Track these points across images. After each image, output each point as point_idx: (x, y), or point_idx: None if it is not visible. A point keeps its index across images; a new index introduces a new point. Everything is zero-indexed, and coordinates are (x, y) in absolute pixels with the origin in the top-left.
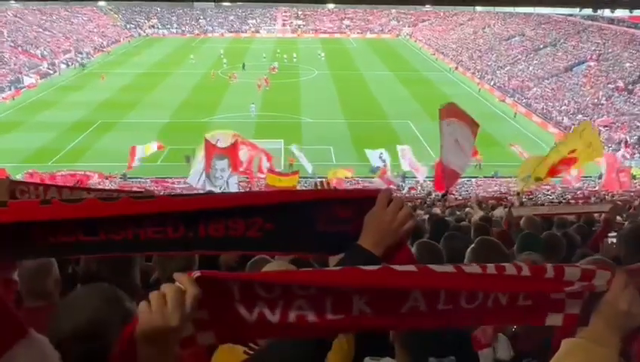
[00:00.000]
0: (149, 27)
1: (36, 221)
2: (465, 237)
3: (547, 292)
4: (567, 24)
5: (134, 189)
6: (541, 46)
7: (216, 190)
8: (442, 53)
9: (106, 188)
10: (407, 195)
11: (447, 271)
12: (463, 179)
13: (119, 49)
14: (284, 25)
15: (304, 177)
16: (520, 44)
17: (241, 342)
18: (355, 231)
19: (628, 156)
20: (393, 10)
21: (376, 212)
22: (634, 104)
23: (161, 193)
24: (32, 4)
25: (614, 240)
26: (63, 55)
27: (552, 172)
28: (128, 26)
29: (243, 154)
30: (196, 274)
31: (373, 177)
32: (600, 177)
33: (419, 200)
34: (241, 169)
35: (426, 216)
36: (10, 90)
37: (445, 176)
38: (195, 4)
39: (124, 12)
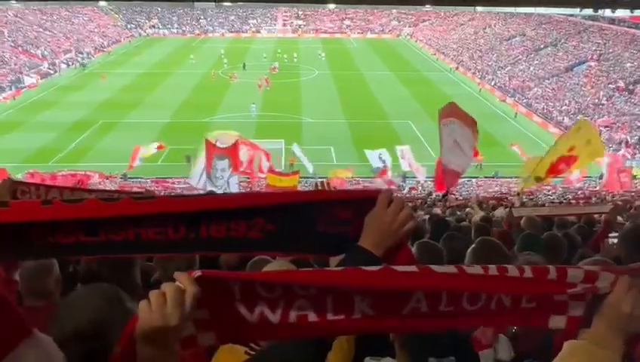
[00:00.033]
0: (150, 27)
1: (37, 221)
2: (464, 238)
3: (550, 294)
4: (568, 24)
5: (135, 190)
6: (542, 46)
7: (217, 190)
8: (443, 53)
9: (107, 188)
10: (407, 195)
11: (449, 272)
12: (464, 180)
13: (120, 49)
14: (284, 25)
15: (305, 177)
16: (521, 44)
17: (241, 343)
18: (355, 232)
19: (629, 156)
20: (394, 11)
21: (377, 213)
22: (635, 104)
23: (162, 193)
24: (33, 4)
25: (615, 240)
26: (64, 55)
27: (552, 171)
28: (129, 26)
29: (243, 154)
30: (196, 273)
31: (373, 177)
32: (601, 177)
33: (419, 201)
34: (241, 169)
35: (427, 217)
36: (10, 89)
37: (446, 176)
38: (196, 4)
39: (124, 12)
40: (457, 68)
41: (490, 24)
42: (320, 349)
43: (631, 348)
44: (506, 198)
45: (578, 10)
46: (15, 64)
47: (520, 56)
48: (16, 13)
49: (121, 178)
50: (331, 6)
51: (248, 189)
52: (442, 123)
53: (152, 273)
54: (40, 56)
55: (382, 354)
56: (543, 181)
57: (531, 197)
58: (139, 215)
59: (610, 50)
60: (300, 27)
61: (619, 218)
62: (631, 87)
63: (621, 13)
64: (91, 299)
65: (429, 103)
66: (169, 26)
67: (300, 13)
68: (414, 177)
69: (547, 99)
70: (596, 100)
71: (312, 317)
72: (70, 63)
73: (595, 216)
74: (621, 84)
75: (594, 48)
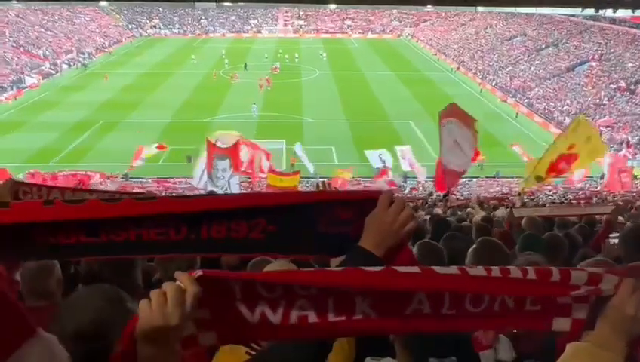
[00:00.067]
0: (151, 27)
1: (39, 222)
2: (465, 238)
3: (553, 296)
4: (569, 24)
5: (136, 190)
6: (543, 46)
7: (218, 190)
8: (444, 53)
9: (108, 188)
10: (408, 195)
11: (452, 273)
12: (465, 180)
13: (121, 49)
14: (285, 25)
15: (306, 177)
16: (522, 44)
17: (242, 343)
18: (356, 232)
19: (630, 156)
20: (395, 11)
21: (378, 213)
22: (636, 104)
23: (163, 193)
24: (34, 4)
25: (616, 240)
26: (65, 55)
27: (553, 170)
28: (130, 26)
29: (244, 154)
30: (197, 273)
31: (374, 178)
32: (602, 177)
33: (420, 201)
34: (242, 169)
35: (428, 217)
36: (12, 90)
37: (446, 176)
38: (197, 4)
39: (125, 12)
40: (458, 68)
41: (492, 24)
42: (320, 350)
43: (634, 350)
44: (507, 198)
45: (579, 10)
46: (16, 64)
47: (521, 57)
48: (17, 14)
49: (122, 178)
50: (332, 6)
51: (249, 189)
52: (442, 123)
53: (153, 273)
54: (41, 56)
55: (382, 354)
56: (544, 181)
57: (532, 197)
58: (140, 215)
59: (612, 50)
60: (301, 27)
61: (620, 218)
62: (632, 87)
63: (622, 13)
64: (92, 300)
65: (430, 103)
66: (170, 26)
67: (301, 13)
68: (415, 177)
69: (548, 99)
70: (597, 100)
71: (313, 317)
72: (71, 63)
73: (597, 216)
74: (622, 84)
75: (595, 48)
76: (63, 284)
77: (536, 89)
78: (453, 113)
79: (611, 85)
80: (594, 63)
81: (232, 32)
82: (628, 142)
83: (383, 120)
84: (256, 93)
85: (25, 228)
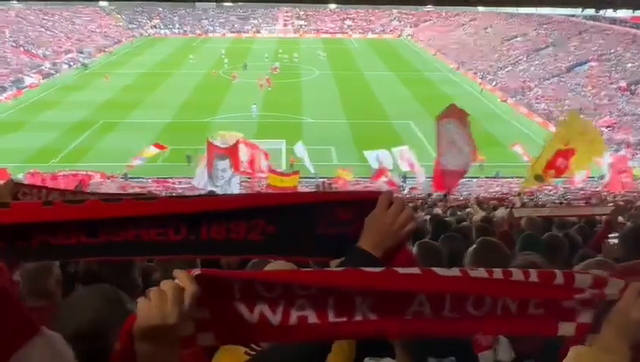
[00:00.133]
0: (151, 27)
1: (38, 222)
2: (464, 238)
3: (557, 300)
4: (569, 24)
5: (136, 190)
6: (543, 46)
7: (218, 190)
8: (444, 53)
9: (108, 187)
10: (408, 196)
11: (452, 274)
12: (464, 180)
13: (121, 49)
14: (285, 25)
15: (306, 177)
16: (522, 44)
17: (241, 343)
18: (355, 233)
19: (630, 156)
20: (395, 11)
21: (377, 214)
22: (636, 104)
23: (163, 193)
24: (35, 4)
25: (616, 241)
26: (65, 55)
27: (550, 167)
28: (130, 26)
29: (244, 154)
30: (196, 271)
31: (371, 178)
32: (602, 178)
33: (420, 201)
34: (242, 169)
35: (428, 217)
36: (12, 90)
37: (445, 177)
38: (197, 4)
39: (126, 12)
40: (458, 68)
41: (491, 24)
42: (320, 351)
43: (639, 354)
44: (507, 198)
45: (579, 10)
46: (16, 64)
47: (521, 57)
48: (17, 13)
49: (122, 178)
50: (332, 6)
51: (249, 190)
52: (439, 124)
53: (152, 273)
54: (41, 56)
55: (381, 354)
56: (545, 180)
57: (532, 197)
58: (140, 216)
59: (612, 51)
60: (300, 27)
61: (620, 218)
62: (632, 87)
63: (622, 13)
64: (92, 300)
65: (430, 103)
66: (170, 26)
67: (301, 13)
68: (414, 177)
69: (548, 99)
70: (597, 101)
71: (313, 318)
72: (71, 63)
73: (596, 216)
74: (622, 84)
75: (595, 48)
76: (62, 284)
77: (536, 89)
78: (452, 114)
79: (611, 85)
80: (594, 63)
81: (232, 32)
82: (628, 142)
83: (383, 120)
84: (256, 93)
85: (25, 228)
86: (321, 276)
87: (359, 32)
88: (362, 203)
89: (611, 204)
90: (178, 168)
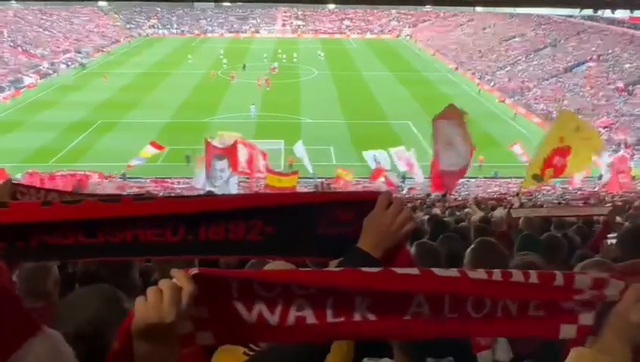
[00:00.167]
0: (149, 27)
1: (37, 222)
2: (462, 239)
3: (557, 301)
4: (567, 25)
5: (135, 190)
6: (541, 47)
7: (216, 190)
8: (442, 53)
9: (106, 188)
10: (407, 196)
11: (451, 275)
12: (463, 180)
13: (119, 49)
14: (284, 25)
15: (304, 177)
16: (520, 44)
17: (240, 343)
18: (355, 233)
19: (628, 157)
20: (393, 11)
21: (376, 214)
22: (634, 105)
23: (161, 193)
24: (33, 4)
25: (614, 241)
26: (63, 55)
27: (548, 165)
28: (128, 26)
29: (242, 153)
30: (193, 271)
31: (368, 178)
32: (600, 178)
33: (418, 201)
34: (240, 169)
35: (426, 217)
36: (9, 90)
37: (443, 177)
38: (195, 4)
39: (124, 12)
40: (457, 68)
41: (490, 25)
42: (319, 351)
43: (639, 357)
44: (505, 199)
45: (577, 10)
46: (14, 64)
47: (519, 57)
48: (15, 13)
49: (120, 178)
50: (331, 6)
51: (248, 190)
52: (437, 124)
53: (150, 274)
54: (39, 56)
55: (380, 354)
56: (544, 180)
57: (530, 197)
58: (138, 216)
59: (610, 51)
60: (299, 27)
61: (618, 218)
62: (630, 87)
63: (620, 13)
64: (90, 300)
65: (429, 104)
66: (168, 26)
67: (300, 13)
68: (412, 178)
69: (546, 99)
70: (595, 101)
71: (311, 318)
72: (69, 63)
73: (595, 216)
74: (620, 84)
75: (593, 49)
76: (61, 284)
77: (535, 89)
78: (450, 114)
79: (609, 86)
80: (592, 64)
81: (231, 32)
82: (626, 142)
83: (382, 120)
84: (254, 94)
85: (23, 228)
86: (320, 276)
87: (358, 32)
88: (362, 203)
89: (609, 205)
90: (177, 168)
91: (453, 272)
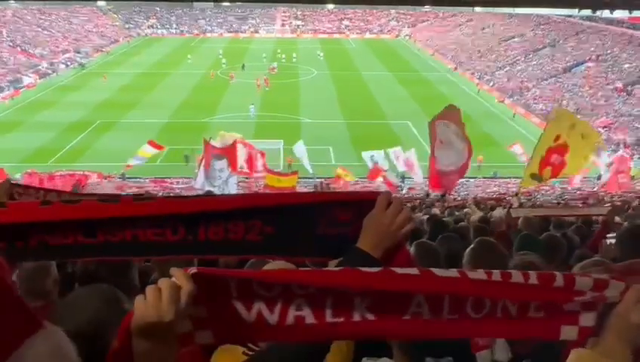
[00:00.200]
0: (148, 27)
1: (36, 222)
2: (461, 239)
3: (557, 302)
4: (566, 25)
5: (134, 190)
6: (540, 47)
7: (215, 190)
8: (441, 53)
9: (105, 188)
10: (406, 196)
11: (451, 276)
12: (462, 180)
13: (118, 49)
14: (283, 25)
15: (304, 177)
16: (519, 44)
17: (239, 343)
18: (354, 233)
19: (628, 157)
20: (392, 11)
21: (376, 214)
22: (632, 105)
23: (160, 193)
24: (32, 3)
25: (614, 241)
26: (62, 55)
27: (545, 164)
28: (127, 26)
29: (241, 153)
30: (192, 270)
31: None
32: (599, 178)
33: (418, 201)
34: (239, 169)
35: (425, 217)
36: (8, 89)
37: (442, 178)
38: (195, 4)
39: (123, 12)
40: (456, 68)
41: (489, 25)
42: (318, 351)
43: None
44: (505, 199)
45: (576, 10)
46: (13, 64)
47: (518, 57)
48: (14, 13)
49: (119, 178)
50: (330, 6)
51: (247, 189)
52: (435, 124)
53: (150, 273)
54: (38, 56)
55: (379, 354)
56: (544, 180)
57: (529, 197)
58: (137, 216)
59: (609, 51)
60: (298, 27)
61: (617, 218)
62: (629, 87)
63: (619, 14)
64: (90, 300)
65: (428, 104)
66: (167, 26)
67: (299, 13)
68: (412, 178)
69: (546, 99)
70: (594, 101)
71: (310, 318)
72: (68, 63)
73: (594, 216)
74: (619, 84)
75: (592, 49)
76: (60, 284)
77: (534, 89)
78: (447, 115)
79: (608, 86)
80: (591, 64)
81: (230, 32)
82: (625, 142)
83: (381, 120)
84: (253, 94)
85: (22, 228)
86: (319, 276)
87: (357, 32)
88: (361, 203)
89: (608, 205)
90: (176, 168)
91: (452, 272)
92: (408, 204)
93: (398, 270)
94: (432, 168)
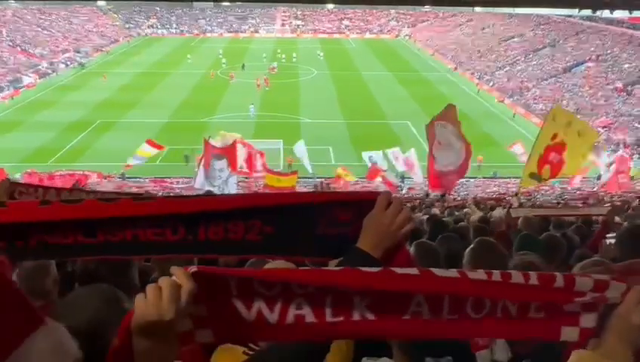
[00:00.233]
0: (148, 27)
1: (35, 221)
2: (461, 238)
3: (557, 303)
4: (566, 25)
5: (134, 190)
6: (540, 47)
7: (215, 190)
8: (441, 53)
9: (105, 187)
10: (406, 196)
11: (451, 276)
12: (462, 180)
13: (118, 49)
14: (283, 25)
15: (304, 177)
16: (519, 44)
17: (239, 342)
18: (354, 233)
19: (628, 157)
20: (392, 11)
21: (375, 214)
22: (632, 105)
23: (160, 193)
24: (32, 3)
25: (613, 241)
26: (62, 55)
27: (544, 163)
28: (127, 26)
29: (241, 153)
30: (192, 268)
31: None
32: (599, 178)
33: (418, 201)
34: (239, 169)
35: (425, 217)
36: (8, 89)
37: (442, 178)
38: (195, 3)
39: (123, 12)
40: (456, 68)
41: (489, 25)
42: (318, 350)
43: None
44: (504, 199)
45: (576, 10)
46: (13, 63)
47: (518, 57)
48: (14, 13)
49: (119, 178)
50: (330, 6)
51: (247, 189)
52: (434, 125)
53: (150, 273)
54: (38, 55)
55: (379, 354)
56: (543, 179)
57: (529, 197)
58: (137, 216)
59: (609, 51)
60: (298, 27)
61: (617, 218)
62: (629, 87)
63: (619, 14)
64: (90, 300)
65: (428, 104)
66: (167, 26)
67: (299, 13)
68: (411, 178)
69: (546, 99)
70: (594, 101)
71: (310, 317)
72: (68, 63)
73: (594, 216)
74: (619, 84)
75: (592, 49)
76: (60, 284)
77: (534, 89)
78: (446, 116)
79: (608, 86)
80: (591, 64)
81: (230, 32)
82: (625, 142)
83: (381, 120)
84: (253, 93)
85: (22, 227)
86: (319, 275)
87: (357, 32)
88: (361, 203)
89: (608, 205)
90: (176, 168)
91: (452, 273)
92: (408, 204)
93: (398, 270)
94: (431, 168)
